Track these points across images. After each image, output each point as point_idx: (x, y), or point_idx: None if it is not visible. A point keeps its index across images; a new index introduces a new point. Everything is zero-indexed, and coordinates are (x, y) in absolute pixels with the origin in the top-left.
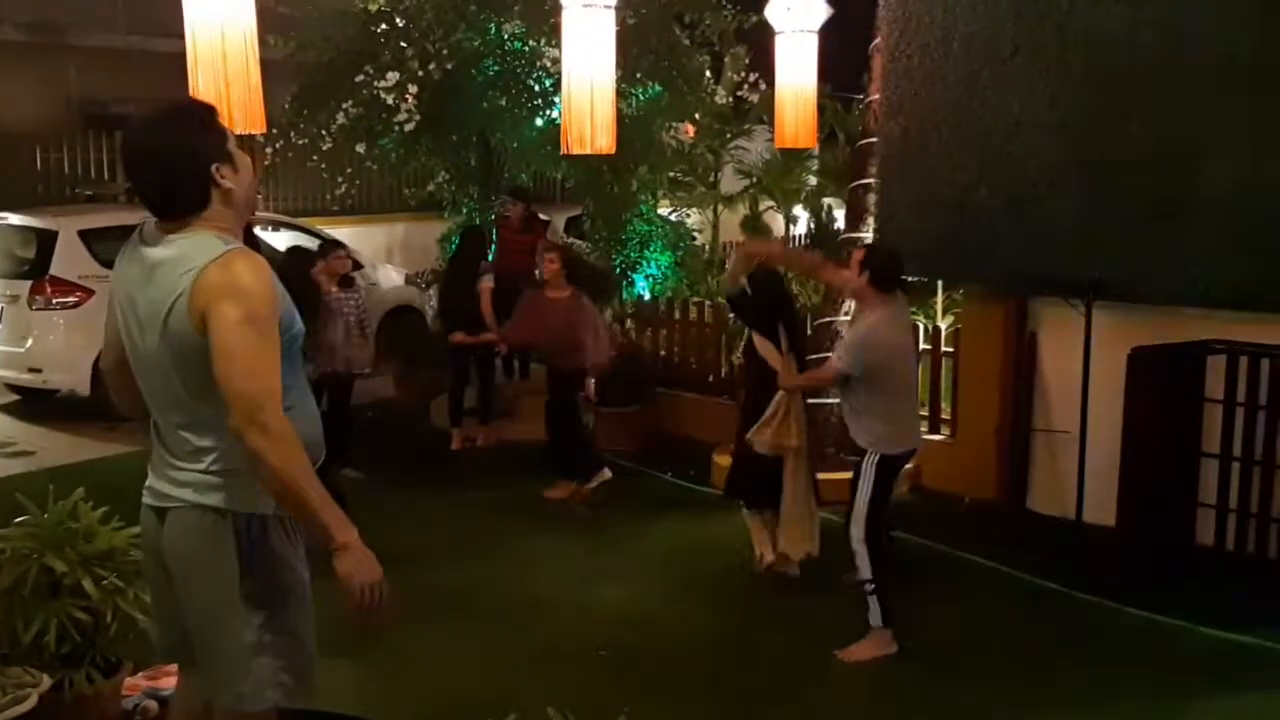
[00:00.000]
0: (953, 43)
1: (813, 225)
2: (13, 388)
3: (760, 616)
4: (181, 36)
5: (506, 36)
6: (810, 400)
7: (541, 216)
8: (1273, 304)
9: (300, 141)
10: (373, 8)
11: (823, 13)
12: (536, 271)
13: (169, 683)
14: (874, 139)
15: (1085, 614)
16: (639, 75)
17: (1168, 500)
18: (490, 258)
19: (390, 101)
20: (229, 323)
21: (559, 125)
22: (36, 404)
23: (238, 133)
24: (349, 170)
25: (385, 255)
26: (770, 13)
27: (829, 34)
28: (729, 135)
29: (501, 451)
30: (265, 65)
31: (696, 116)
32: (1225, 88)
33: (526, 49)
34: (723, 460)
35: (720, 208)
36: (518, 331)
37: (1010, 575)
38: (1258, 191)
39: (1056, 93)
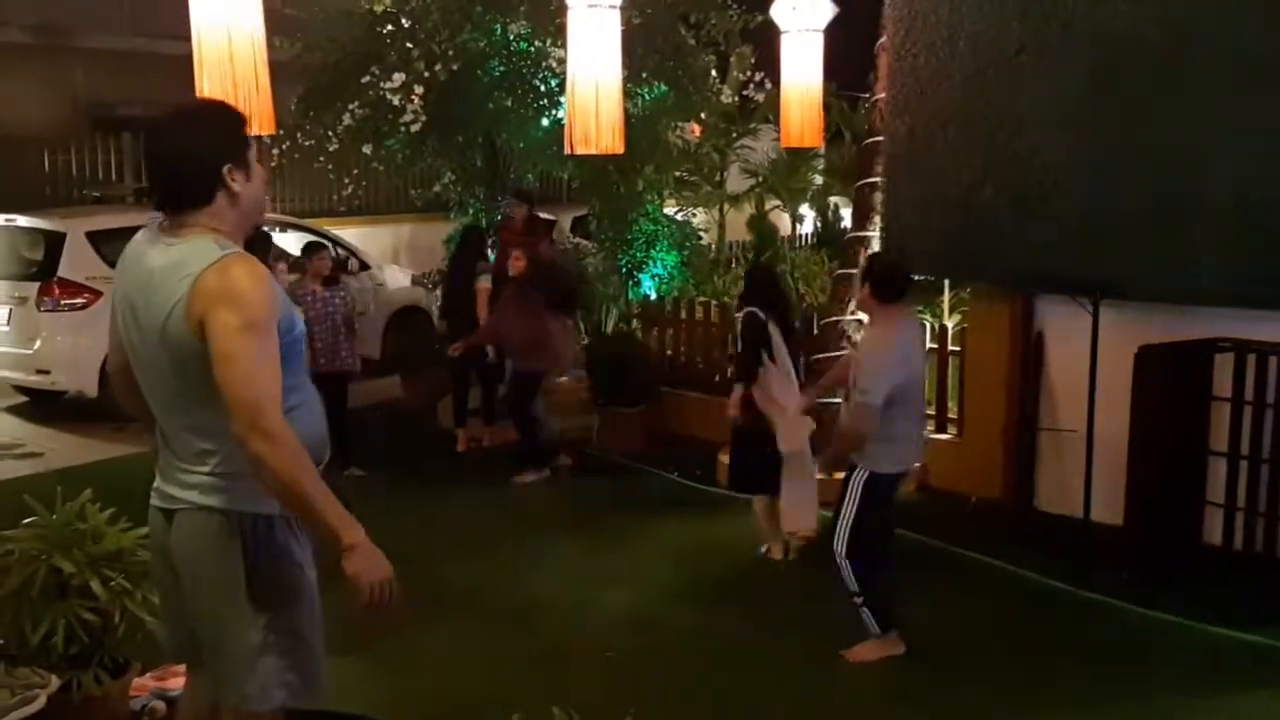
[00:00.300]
0: (959, 41)
1: (819, 224)
2: (21, 389)
3: (766, 616)
4: (188, 38)
5: (512, 37)
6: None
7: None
8: None
9: (307, 143)
10: (378, 9)
11: (828, 12)
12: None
13: (177, 683)
14: (880, 138)
15: (1092, 613)
16: (645, 75)
17: (1175, 499)
18: (492, 258)
19: (396, 102)
20: (228, 329)
21: (565, 125)
22: (45, 405)
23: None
24: (355, 171)
25: (392, 256)
26: (775, 12)
27: (834, 33)
28: (735, 135)
29: (507, 452)
30: (271, 67)
31: (702, 116)
32: (1233, 85)
33: (532, 49)
34: (725, 458)
35: (726, 207)
36: (487, 330)
37: (1017, 574)
38: (1265, 189)
39: (1063, 91)
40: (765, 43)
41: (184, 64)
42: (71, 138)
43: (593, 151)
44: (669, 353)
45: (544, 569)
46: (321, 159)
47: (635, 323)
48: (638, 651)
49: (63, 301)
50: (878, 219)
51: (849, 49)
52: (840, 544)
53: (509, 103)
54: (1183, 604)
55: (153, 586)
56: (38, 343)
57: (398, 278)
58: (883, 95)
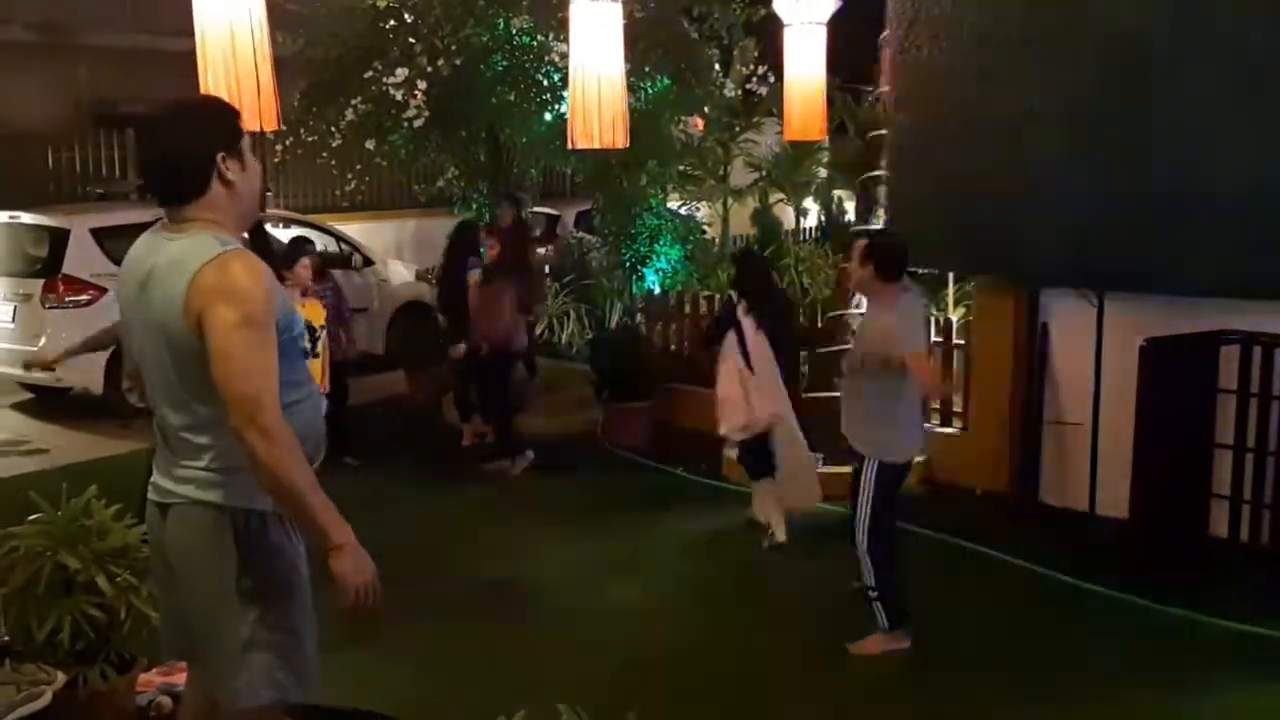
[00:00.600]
0: (963, 34)
1: (823, 218)
2: (26, 386)
3: (772, 611)
4: (191, 35)
5: (515, 31)
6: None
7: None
8: None
9: (310, 138)
10: (381, 4)
11: (831, 5)
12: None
13: (183, 679)
14: (884, 131)
15: (1096, 606)
16: (647, 69)
17: (1181, 492)
18: (482, 255)
19: (399, 97)
20: (225, 325)
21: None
22: (50, 402)
23: (250, 130)
24: (358, 167)
25: (395, 251)
26: (779, 5)
27: (838, 26)
28: (738, 128)
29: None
30: (274, 63)
31: (705, 110)
32: (1239, 76)
33: (534, 44)
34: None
35: (730, 201)
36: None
37: (1022, 568)
38: (1271, 181)
39: (1067, 83)
40: (768, 36)
41: (187, 60)
42: (75, 135)
43: (595, 146)
44: (673, 347)
45: (549, 563)
46: (324, 155)
47: (639, 317)
48: (643, 646)
49: (67, 298)
50: (882, 212)
51: (853, 42)
52: (863, 536)
53: (512, 97)
54: (1188, 597)
55: (154, 584)
56: (42, 340)
57: (401, 273)
58: (886, 88)
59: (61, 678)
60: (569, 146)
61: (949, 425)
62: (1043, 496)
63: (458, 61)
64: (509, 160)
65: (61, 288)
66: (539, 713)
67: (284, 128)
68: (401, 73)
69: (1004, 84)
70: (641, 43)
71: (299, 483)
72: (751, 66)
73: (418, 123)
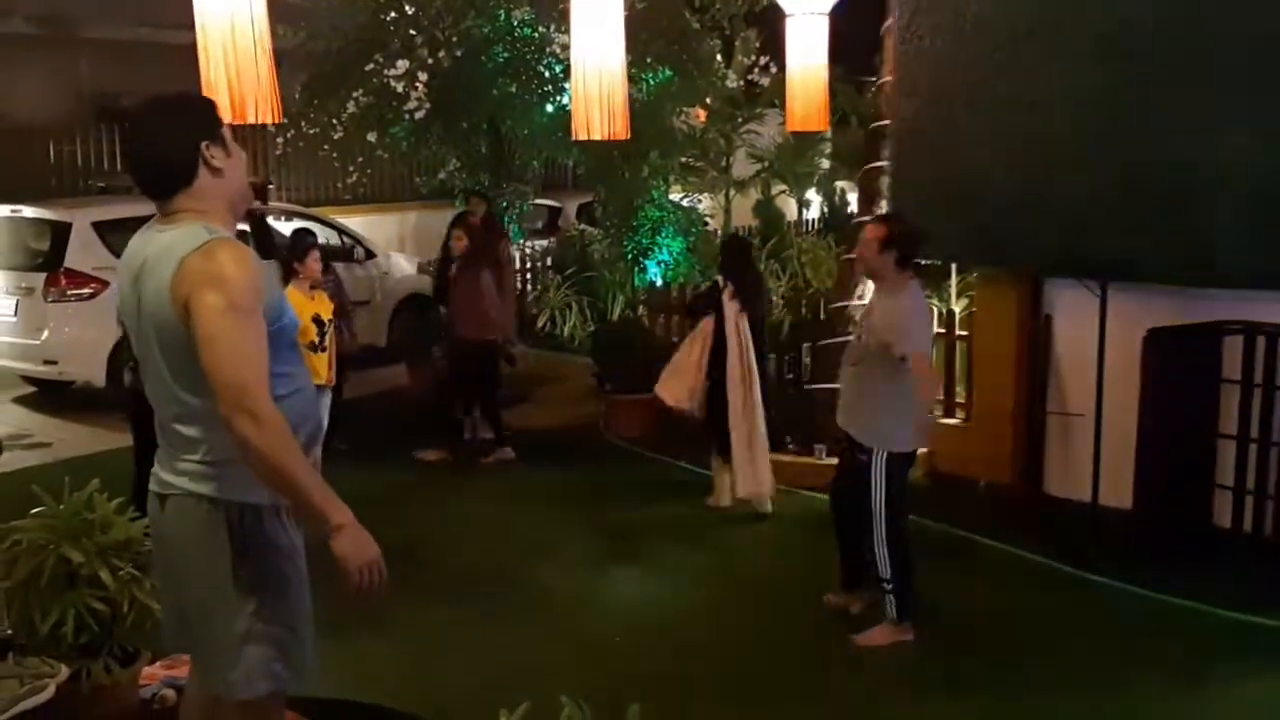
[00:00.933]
0: (966, 23)
1: (825, 209)
2: (29, 380)
3: (776, 601)
4: (193, 28)
5: (516, 23)
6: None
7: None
8: None
9: (311, 131)
10: None
11: None
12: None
13: (187, 672)
14: (887, 122)
15: (1100, 597)
16: (649, 60)
17: (1184, 482)
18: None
19: (400, 90)
20: (211, 311)
21: (569, 111)
22: (52, 396)
23: (251, 123)
24: (360, 159)
25: (397, 244)
26: None
27: (840, 16)
28: (740, 119)
29: (515, 438)
30: (275, 55)
31: (708, 101)
32: (1245, 64)
33: (536, 35)
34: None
35: (732, 192)
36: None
37: (1026, 558)
38: (1276, 171)
39: (1071, 72)
40: (770, 26)
41: (188, 53)
42: (77, 128)
43: (598, 138)
44: (675, 339)
45: (552, 555)
46: (326, 147)
47: (641, 309)
48: (646, 637)
49: (69, 292)
50: (884, 203)
51: (855, 32)
52: (878, 525)
53: (513, 89)
54: (1191, 587)
55: (155, 575)
56: (45, 333)
57: (403, 266)
58: (889, 78)
59: (65, 671)
60: (573, 138)
61: (952, 416)
62: (1046, 487)
63: (459, 53)
64: (510, 152)
65: (63, 281)
66: (541, 704)
67: (285, 120)
68: (403, 65)
69: (1007, 73)
70: (643, 34)
71: (292, 466)
72: (753, 57)
73: (419, 115)
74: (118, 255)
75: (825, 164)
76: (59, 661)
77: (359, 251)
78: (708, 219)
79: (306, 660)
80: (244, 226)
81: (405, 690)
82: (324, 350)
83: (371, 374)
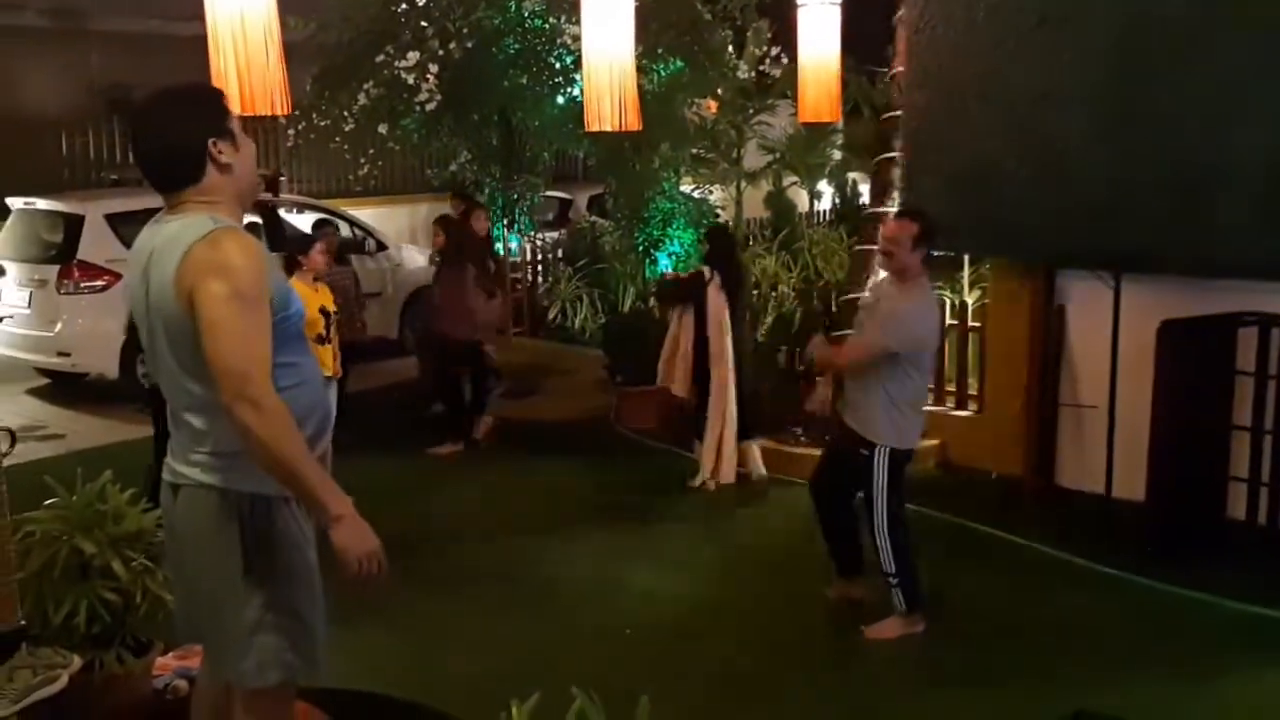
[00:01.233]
0: (978, 13)
1: (837, 200)
2: (42, 371)
3: (787, 593)
4: (203, 19)
5: (526, 14)
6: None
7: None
8: None
9: (322, 123)
10: None
11: None
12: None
13: (199, 662)
14: (899, 112)
15: (1114, 589)
16: (660, 51)
17: (1198, 474)
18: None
19: (411, 81)
20: (215, 299)
21: (580, 103)
22: (66, 387)
23: (260, 115)
24: (371, 151)
25: (408, 236)
26: None
27: (852, 6)
28: (752, 110)
29: (523, 431)
30: (286, 47)
31: (719, 92)
32: (1258, 54)
33: (546, 26)
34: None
35: (743, 184)
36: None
37: (1038, 551)
38: None
39: (1084, 62)
40: (782, 16)
41: (199, 45)
42: (89, 121)
43: (610, 129)
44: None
45: (562, 547)
46: (337, 139)
47: (652, 301)
48: (658, 629)
49: (82, 284)
50: (897, 194)
51: (867, 22)
52: (880, 524)
53: (524, 80)
54: (1206, 580)
55: (167, 565)
56: (58, 325)
57: (414, 258)
58: (901, 69)
59: (78, 661)
60: (584, 130)
61: (965, 408)
62: (1059, 479)
63: (469, 45)
64: (521, 144)
65: (77, 273)
66: (552, 696)
67: (297, 112)
68: (414, 56)
69: (1020, 63)
70: (654, 24)
71: (293, 456)
72: (765, 48)
73: (430, 107)
74: (130, 247)
75: (837, 155)
76: (72, 652)
77: (370, 244)
78: (719, 211)
79: (318, 650)
80: (255, 218)
81: (411, 680)
82: (329, 342)
83: (382, 366)
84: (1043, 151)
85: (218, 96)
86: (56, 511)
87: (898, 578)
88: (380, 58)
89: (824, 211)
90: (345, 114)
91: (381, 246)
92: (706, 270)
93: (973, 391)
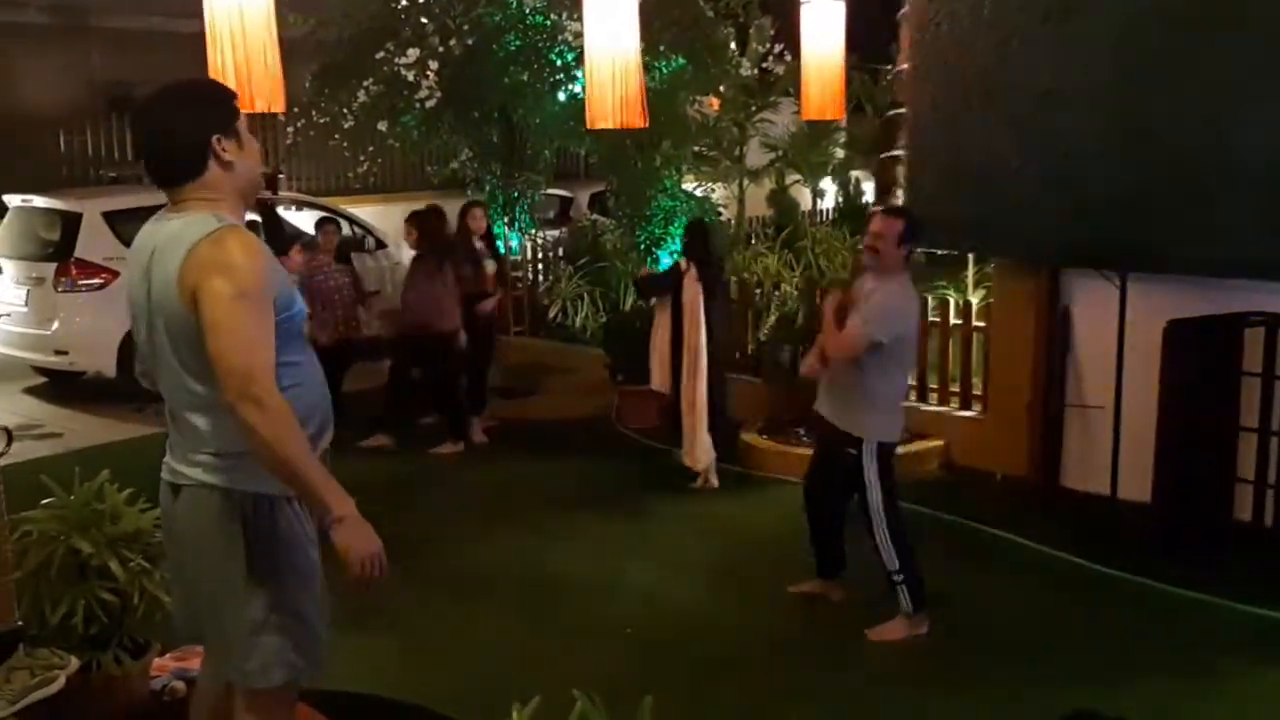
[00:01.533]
0: (983, 10)
1: (840, 199)
2: (40, 370)
3: (788, 594)
4: (202, 16)
5: (527, 10)
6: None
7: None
8: None
9: (322, 120)
10: None
11: None
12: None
13: (197, 664)
14: (903, 110)
15: (1120, 591)
16: (662, 48)
17: (1204, 475)
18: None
19: (411, 78)
20: (219, 298)
21: (581, 100)
22: (63, 386)
23: (257, 111)
24: (371, 148)
25: (408, 234)
26: None
27: (856, 3)
28: (754, 108)
29: (524, 430)
30: (285, 44)
31: (721, 89)
32: (1264, 52)
33: (547, 23)
34: (750, 438)
35: (746, 182)
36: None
37: (1044, 552)
38: None
39: (1090, 60)
40: (785, 14)
41: (199, 42)
42: (87, 118)
43: (613, 126)
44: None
45: (562, 546)
46: (337, 136)
47: (653, 301)
48: (659, 630)
49: (80, 282)
50: (900, 193)
51: (871, 19)
52: (879, 521)
53: (524, 77)
54: (1212, 581)
55: (167, 565)
56: (55, 323)
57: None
58: (905, 66)
59: (75, 662)
60: (586, 127)
61: (970, 408)
62: (1064, 480)
63: (470, 41)
64: (522, 141)
65: (74, 271)
66: (554, 699)
67: (295, 109)
68: (414, 53)
69: (1025, 61)
70: (656, 21)
71: (296, 455)
72: (768, 45)
73: (430, 104)
74: (128, 245)
75: (840, 153)
76: (69, 653)
77: (370, 241)
78: (721, 209)
79: (321, 649)
80: (254, 216)
81: (411, 682)
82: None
83: (383, 365)
84: (1048, 150)
85: (226, 95)
86: (54, 511)
87: (903, 574)
88: (380, 54)
89: (827, 210)
90: (345, 111)
91: (381, 244)
92: (684, 262)
93: (977, 392)
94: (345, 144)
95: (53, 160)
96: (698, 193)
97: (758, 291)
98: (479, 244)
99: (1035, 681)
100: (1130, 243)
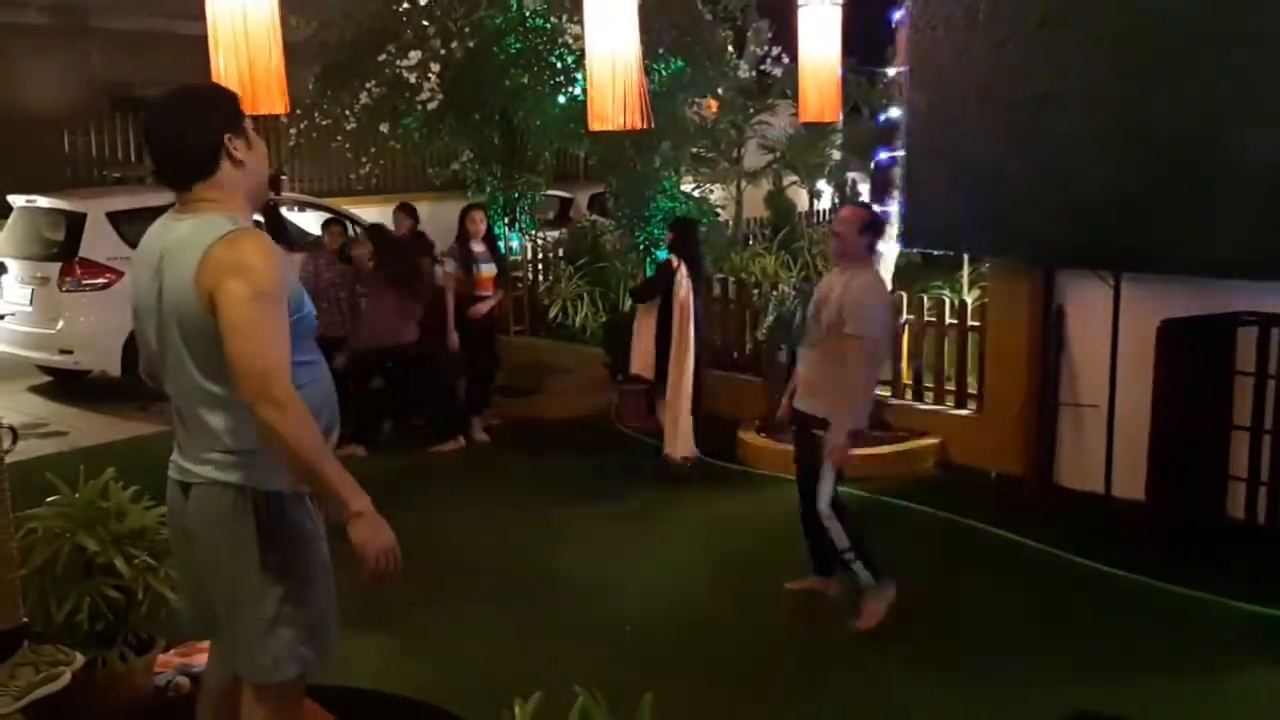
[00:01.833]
0: (979, 14)
1: (836, 200)
2: (44, 369)
3: (785, 593)
4: (204, 17)
5: (528, 13)
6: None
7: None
8: None
9: (324, 122)
10: None
11: None
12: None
13: (201, 659)
14: (899, 112)
15: (1114, 588)
16: (661, 50)
17: (1197, 474)
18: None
19: (413, 80)
20: (237, 299)
21: (581, 102)
22: (68, 385)
23: (260, 113)
24: (373, 150)
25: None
26: None
27: (853, 6)
28: (752, 110)
29: (524, 429)
30: (288, 46)
31: (719, 92)
32: (1258, 53)
33: (548, 26)
34: (748, 436)
35: (743, 183)
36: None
37: (1039, 550)
38: None
39: (1086, 63)
40: (783, 17)
41: (201, 43)
42: (90, 118)
43: (614, 128)
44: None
45: (562, 545)
46: (339, 138)
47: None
48: (659, 627)
49: (84, 281)
50: (897, 194)
51: (868, 23)
52: (825, 504)
53: (525, 80)
54: (1205, 579)
55: (174, 562)
56: (60, 323)
57: None
58: (902, 69)
59: (80, 659)
60: (588, 129)
61: (965, 407)
62: (1058, 478)
63: (471, 44)
64: (522, 143)
65: (78, 271)
66: (555, 695)
67: (298, 111)
68: (415, 55)
69: (1020, 64)
70: (655, 24)
71: (316, 453)
72: (765, 48)
73: (431, 106)
74: (132, 245)
75: (836, 155)
76: (74, 649)
77: None
78: (719, 210)
79: (333, 642)
80: (257, 217)
81: (413, 678)
82: None
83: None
84: (1043, 151)
85: (233, 97)
86: (59, 509)
87: (853, 550)
88: (382, 57)
89: (824, 211)
90: (347, 113)
91: None
92: (674, 259)
93: (972, 391)
94: (347, 145)
95: (56, 161)
96: (696, 194)
97: (755, 292)
98: (480, 247)
99: (1031, 678)
100: (1125, 243)
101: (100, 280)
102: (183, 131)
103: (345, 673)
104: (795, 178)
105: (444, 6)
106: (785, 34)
